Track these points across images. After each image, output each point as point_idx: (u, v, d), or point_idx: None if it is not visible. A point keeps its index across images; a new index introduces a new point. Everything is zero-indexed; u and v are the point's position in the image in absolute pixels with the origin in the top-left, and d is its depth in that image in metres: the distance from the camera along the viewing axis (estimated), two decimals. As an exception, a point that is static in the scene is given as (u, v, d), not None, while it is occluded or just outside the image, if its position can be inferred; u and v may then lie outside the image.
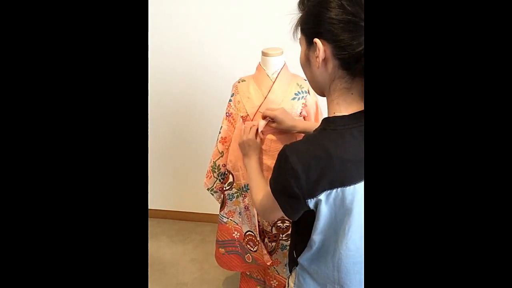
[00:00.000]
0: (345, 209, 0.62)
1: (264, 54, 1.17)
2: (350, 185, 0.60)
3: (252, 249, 1.31)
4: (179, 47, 1.84)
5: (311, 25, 0.62)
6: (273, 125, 1.11)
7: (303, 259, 0.75)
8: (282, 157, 0.62)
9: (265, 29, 1.74)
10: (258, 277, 1.46)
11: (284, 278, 1.34)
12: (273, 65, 1.17)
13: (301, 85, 1.19)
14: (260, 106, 1.16)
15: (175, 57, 1.87)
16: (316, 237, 0.68)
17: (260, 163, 1.19)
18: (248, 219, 1.28)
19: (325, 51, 0.60)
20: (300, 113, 1.18)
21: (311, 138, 0.64)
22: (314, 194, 0.61)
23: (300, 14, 0.65)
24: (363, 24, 0.55)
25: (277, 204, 0.68)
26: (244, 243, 1.32)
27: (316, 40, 0.60)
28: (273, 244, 1.30)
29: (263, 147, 1.18)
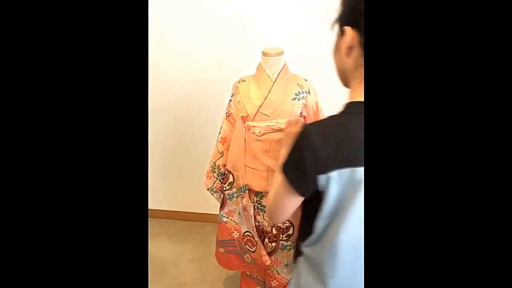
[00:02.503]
0: (353, 190, 0.65)
1: (264, 54, 1.16)
2: (361, 166, 0.63)
3: (250, 249, 1.31)
4: (179, 46, 1.84)
5: (344, 15, 0.67)
6: None
7: (306, 245, 0.76)
8: (303, 133, 0.66)
9: (265, 29, 1.74)
10: (258, 277, 1.45)
11: (284, 278, 1.34)
12: (274, 65, 1.16)
13: (301, 85, 1.18)
14: (260, 106, 1.16)
15: (174, 56, 1.87)
16: (321, 222, 0.70)
17: (261, 164, 1.19)
18: (246, 219, 1.28)
19: (353, 39, 0.64)
20: (301, 113, 1.18)
21: (332, 118, 0.68)
22: (326, 170, 0.64)
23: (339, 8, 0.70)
24: None
25: (287, 200, 0.71)
26: (243, 243, 1.33)
27: (346, 27, 0.65)
28: (273, 244, 1.30)
29: (264, 147, 1.18)
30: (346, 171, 0.64)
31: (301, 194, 0.70)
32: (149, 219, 2.18)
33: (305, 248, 0.76)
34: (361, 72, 0.66)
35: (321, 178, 0.64)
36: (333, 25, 0.70)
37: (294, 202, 0.73)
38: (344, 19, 0.67)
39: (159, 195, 2.24)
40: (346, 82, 0.73)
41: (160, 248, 2.03)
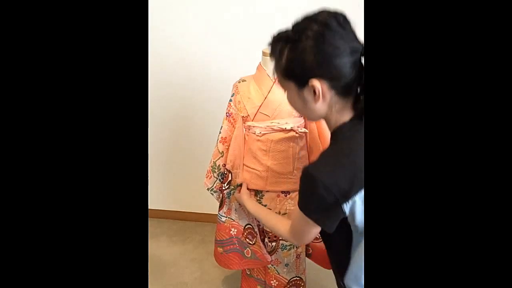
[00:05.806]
0: None
1: (264, 54, 1.16)
2: None
3: (250, 242, 1.32)
4: (179, 46, 1.84)
5: (300, 70, 0.65)
6: None
7: (348, 279, 0.75)
8: (308, 179, 0.65)
9: (265, 29, 1.73)
10: (259, 277, 1.46)
11: (284, 278, 1.35)
12: (274, 65, 1.16)
13: (301, 86, 1.18)
14: (260, 106, 1.16)
15: (175, 56, 1.87)
16: (356, 251, 0.71)
17: (260, 164, 1.20)
18: (245, 212, 1.30)
19: (322, 88, 0.64)
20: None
21: (329, 152, 0.68)
22: (349, 197, 0.64)
23: (278, 62, 0.70)
24: (347, 54, 0.61)
25: (310, 225, 0.70)
26: (242, 238, 1.34)
27: (313, 80, 0.63)
28: (273, 244, 1.30)
29: (263, 147, 1.18)
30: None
31: (330, 230, 0.70)
32: (149, 219, 2.18)
33: (351, 283, 0.75)
34: (338, 106, 0.66)
35: (346, 205, 0.65)
36: (285, 78, 0.68)
37: (318, 229, 0.73)
38: (302, 73, 0.64)
39: (159, 195, 2.23)
40: (319, 119, 0.72)
41: (160, 248, 2.03)
